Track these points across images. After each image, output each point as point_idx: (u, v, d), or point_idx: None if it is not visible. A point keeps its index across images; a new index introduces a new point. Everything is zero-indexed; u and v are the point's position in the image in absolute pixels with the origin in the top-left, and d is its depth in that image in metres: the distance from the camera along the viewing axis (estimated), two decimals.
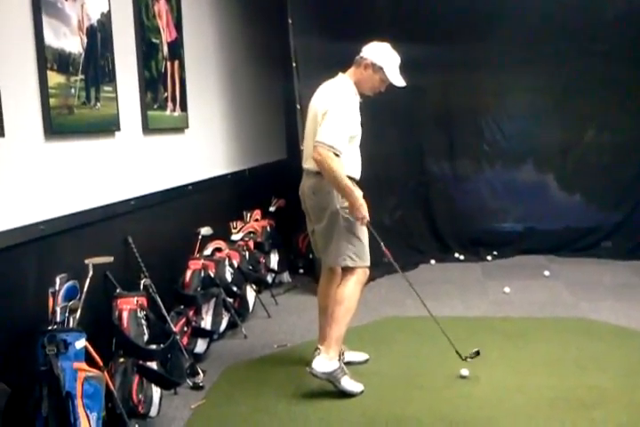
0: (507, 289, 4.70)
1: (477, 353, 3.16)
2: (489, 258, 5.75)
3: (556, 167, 5.98)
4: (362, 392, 2.95)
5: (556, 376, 3.14)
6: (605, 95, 5.62)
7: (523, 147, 5.99)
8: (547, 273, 5.16)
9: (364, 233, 3.03)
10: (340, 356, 3.01)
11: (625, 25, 5.34)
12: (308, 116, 3.10)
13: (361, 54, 3.05)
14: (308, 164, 3.06)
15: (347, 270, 3.07)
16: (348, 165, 2.96)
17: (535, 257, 5.74)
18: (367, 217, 3.02)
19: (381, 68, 3.00)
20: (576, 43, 5.47)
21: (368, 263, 3.07)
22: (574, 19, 5.40)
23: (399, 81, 3.04)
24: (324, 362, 2.92)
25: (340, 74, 3.09)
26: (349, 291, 3.01)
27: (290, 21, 4.60)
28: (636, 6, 5.32)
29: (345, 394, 2.92)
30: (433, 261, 5.67)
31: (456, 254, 5.79)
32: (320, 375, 2.91)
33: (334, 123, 2.88)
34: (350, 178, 2.96)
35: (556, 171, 5.98)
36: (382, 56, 3.02)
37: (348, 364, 3.28)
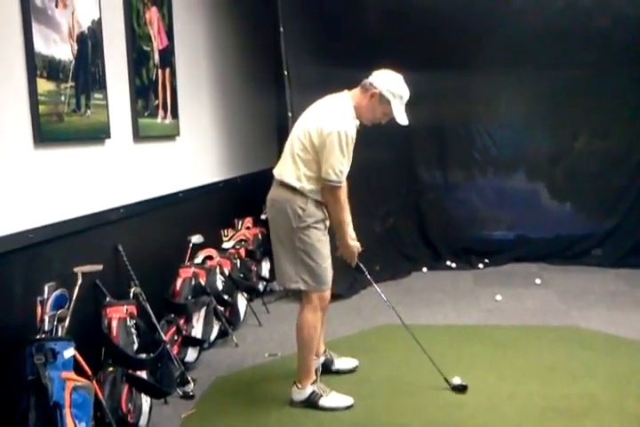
0: (498, 297, 4.71)
1: (465, 387, 3.06)
2: (480, 266, 5.76)
3: (547, 176, 6.02)
4: (350, 406, 2.92)
5: (546, 385, 3.14)
6: (596, 104, 5.67)
7: (514, 155, 6.03)
8: (538, 281, 5.17)
9: (322, 255, 2.85)
10: (314, 380, 2.95)
11: (615, 34, 5.38)
12: (296, 126, 2.93)
13: (370, 80, 2.85)
14: (276, 171, 2.92)
15: (303, 295, 2.94)
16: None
17: (526, 265, 5.75)
18: (356, 260, 3.08)
19: (388, 102, 2.82)
20: (566, 52, 5.50)
21: (325, 286, 2.89)
22: (565, 28, 5.42)
23: (403, 119, 2.85)
24: (297, 392, 2.94)
25: (345, 92, 2.91)
26: (306, 321, 2.89)
27: (281, 30, 4.61)
28: (625, 15, 5.37)
29: (331, 410, 2.90)
30: (425, 269, 5.67)
31: (448, 262, 5.80)
32: (297, 404, 2.93)
33: (340, 156, 2.73)
34: (322, 203, 2.87)
35: (546, 179, 6.02)
36: (393, 89, 2.82)
37: (337, 372, 3.29)
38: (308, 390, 2.92)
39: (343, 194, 2.86)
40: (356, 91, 2.90)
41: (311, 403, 2.91)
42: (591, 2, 5.39)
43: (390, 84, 2.84)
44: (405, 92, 2.87)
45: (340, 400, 2.93)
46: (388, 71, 2.91)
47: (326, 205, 2.89)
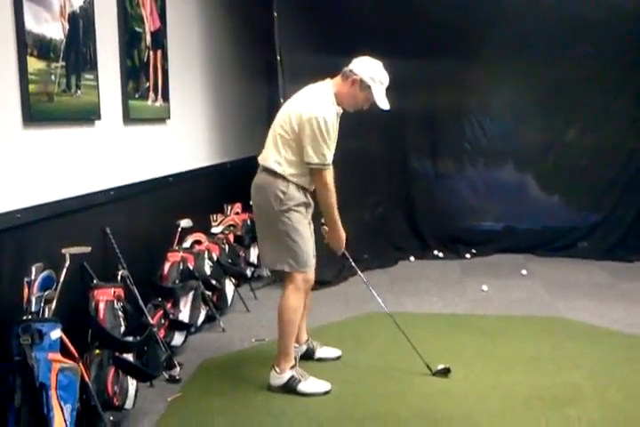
0: (485, 287, 4.74)
1: (448, 370, 3.11)
2: (468, 256, 5.79)
3: (536, 167, 6.04)
4: (328, 391, 2.93)
5: (531, 374, 3.17)
6: (587, 97, 5.68)
7: (504, 146, 6.03)
8: (524, 272, 5.21)
9: (303, 237, 2.90)
10: (292, 365, 2.96)
11: (609, 27, 5.38)
12: (278, 114, 2.97)
13: (350, 67, 2.90)
14: (260, 158, 2.98)
15: (286, 277, 2.96)
16: (307, 176, 2.90)
17: (513, 256, 5.79)
18: (343, 248, 3.12)
19: (369, 87, 2.87)
20: (559, 45, 5.51)
21: (308, 268, 2.94)
22: (558, 21, 5.43)
23: (384, 103, 2.91)
24: (276, 376, 2.95)
25: (327, 80, 2.97)
26: (288, 303, 2.91)
27: (275, 15, 4.58)
28: (619, 9, 5.38)
29: (309, 395, 2.91)
30: (412, 259, 5.69)
31: (435, 252, 5.82)
32: (276, 389, 2.94)
33: (321, 140, 2.79)
34: (305, 188, 2.92)
35: (535, 171, 6.03)
36: (372, 75, 2.87)
37: (319, 360, 3.30)
38: (287, 374, 2.93)
39: (330, 178, 2.89)
40: (338, 78, 2.96)
41: (289, 388, 2.92)
42: None
43: (370, 71, 2.89)
44: (385, 78, 2.92)
45: (318, 386, 2.95)
46: (367, 58, 2.96)
47: (310, 190, 2.95)
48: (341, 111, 2.95)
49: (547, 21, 5.45)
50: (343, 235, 3.08)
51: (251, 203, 3.05)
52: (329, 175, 2.89)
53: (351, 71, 2.89)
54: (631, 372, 3.20)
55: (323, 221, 3.11)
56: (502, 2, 5.43)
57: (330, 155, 2.87)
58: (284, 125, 2.88)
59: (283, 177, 2.87)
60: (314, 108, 2.80)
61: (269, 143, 2.95)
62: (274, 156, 2.90)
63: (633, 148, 5.79)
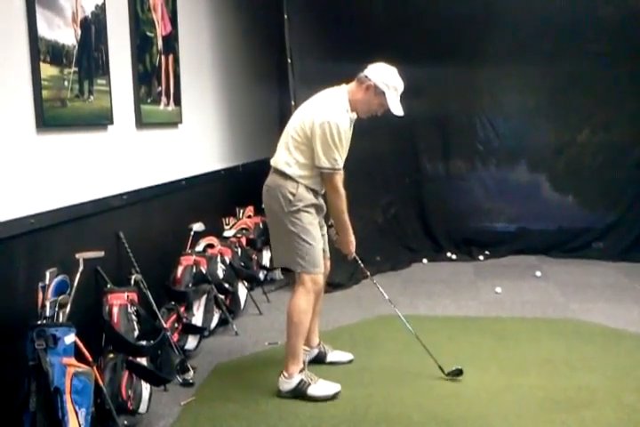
0: (498, 289, 4.71)
1: (460, 372, 3.10)
2: (481, 258, 5.76)
3: (550, 168, 6.00)
4: (338, 392, 2.92)
5: (545, 376, 3.15)
6: (600, 96, 5.64)
7: (516, 147, 6.00)
8: (538, 274, 5.17)
9: (314, 238, 2.90)
10: (301, 368, 2.95)
11: (621, 25, 5.35)
12: (292, 118, 2.99)
13: (365, 73, 2.92)
14: (272, 160, 3.00)
15: (297, 278, 2.97)
16: (316, 178, 2.91)
17: (527, 257, 5.75)
18: (353, 253, 3.12)
19: (383, 94, 2.87)
20: (571, 43, 5.47)
21: (318, 269, 2.93)
22: (569, 19, 5.40)
23: (398, 110, 2.91)
24: (285, 381, 2.93)
25: (342, 86, 2.97)
26: (298, 305, 2.91)
27: (286, 17, 4.58)
28: (629, 7, 5.33)
29: (319, 399, 2.89)
30: (425, 261, 5.67)
31: (448, 254, 5.80)
32: (285, 395, 2.93)
33: (332, 145, 2.80)
34: (315, 191, 2.93)
35: (549, 171, 6.00)
36: (387, 81, 2.88)
37: (331, 364, 3.29)
38: (296, 378, 2.92)
39: (340, 182, 2.90)
40: (353, 84, 2.97)
41: (299, 392, 2.91)
42: None
43: (384, 76, 2.90)
44: (400, 84, 2.93)
45: (327, 388, 2.94)
46: (382, 64, 2.97)
47: (321, 193, 2.97)
48: (355, 117, 2.96)
49: (558, 20, 5.42)
50: (353, 239, 3.09)
51: (262, 205, 3.06)
52: (339, 180, 2.90)
53: (366, 77, 2.90)
54: None
55: (330, 222, 3.11)
56: (513, 2, 5.40)
57: (341, 160, 2.87)
58: (297, 129, 2.89)
59: (292, 178, 2.88)
60: (327, 114, 2.81)
61: (281, 145, 2.97)
62: (284, 157, 2.91)
63: None
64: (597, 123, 5.83)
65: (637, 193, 5.78)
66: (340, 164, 2.87)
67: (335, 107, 2.86)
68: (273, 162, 2.99)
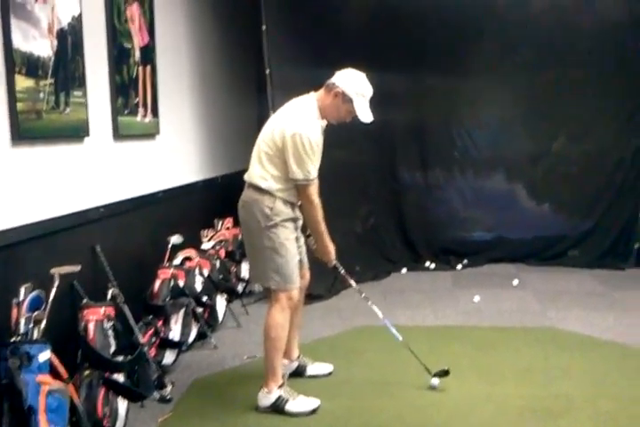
0: (476, 298, 4.74)
1: (446, 372, 3.13)
2: (459, 267, 5.79)
3: (526, 176, 6.06)
4: (316, 409, 2.90)
5: (524, 385, 3.17)
6: (575, 106, 5.72)
7: (493, 156, 6.06)
8: (515, 282, 5.22)
9: (289, 253, 2.88)
10: (280, 384, 2.93)
11: (594, 37, 5.44)
12: (263, 129, 2.96)
13: (333, 80, 2.89)
14: (246, 175, 2.97)
15: (271, 295, 2.95)
16: (292, 190, 2.90)
17: (504, 266, 5.80)
18: (333, 261, 3.13)
19: (351, 100, 2.85)
20: (547, 54, 5.56)
21: (293, 285, 2.91)
22: (546, 31, 5.49)
23: (367, 116, 2.89)
24: (264, 396, 2.91)
25: (311, 94, 2.96)
26: (274, 320, 2.89)
27: (264, 28, 4.59)
28: (605, 19, 5.44)
29: (298, 415, 2.87)
30: (404, 270, 5.68)
31: (427, 263, 5.82)
32: (264, 410, 2.91)
33: (305, 157, 2.78)
34: (291, 202, 2.91)
35: (525, 180, 6.06)
36: (355, 88, 2.85)
37: (312, 377, 3.28)
38: (275, 394, 2.90)
39: (315, 193, 2.90)
40: (321, 91, 2.95)
41: (277, 408, 2.88)
42: (573, 4, 5.46)
43: (352, 83, 2.88)
44: (368, 90, 2.91)
45: (306, 404, 2.91)
46: (350, 70, 2.95)
47: (297, 204, 2.95)
48: (325, 124, 2.96)
49: (535, 31, 5.50)
50: (331, 247, 3.08)
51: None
52: (313, 190, 2.90)
53: (334, 84, 2.89)
54: (623, 381, 3.21)
55: (308, 232, 3.11)
56: (490, 13, 5.48)
57: (314, 170, 2.87)
58: (268, 142, 2.87)
59: (269, 193, 2.86)
60: (297, 125, 2.80)
61: (254, 160, 2.95)
62: (259, 172, 2.89)
63: (621, 155, 5.83)
64: (572, 132, 5.91)
65: (612, 201, 5.87)
66: (314, 174, 2.87)
67: (305, 116, 2.85)
68: (247, 177, 2.96)
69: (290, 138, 2.78)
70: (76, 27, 2.93)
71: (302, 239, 3.11)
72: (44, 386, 2.10)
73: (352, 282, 3.36)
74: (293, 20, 4.89)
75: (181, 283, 3.56)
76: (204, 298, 3.79)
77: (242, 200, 2.97)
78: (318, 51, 4.89)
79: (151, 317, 3.28)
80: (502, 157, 6.04)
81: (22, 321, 2.22)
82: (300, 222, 3.03)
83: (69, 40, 2.87)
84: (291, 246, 2.91)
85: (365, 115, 2.89)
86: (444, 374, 3.13)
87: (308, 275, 3.19)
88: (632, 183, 5.82)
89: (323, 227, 2.99)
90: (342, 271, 3.30)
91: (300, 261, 3.03)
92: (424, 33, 5.45)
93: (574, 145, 5.92)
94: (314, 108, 2.90)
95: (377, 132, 5.72)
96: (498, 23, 5.49)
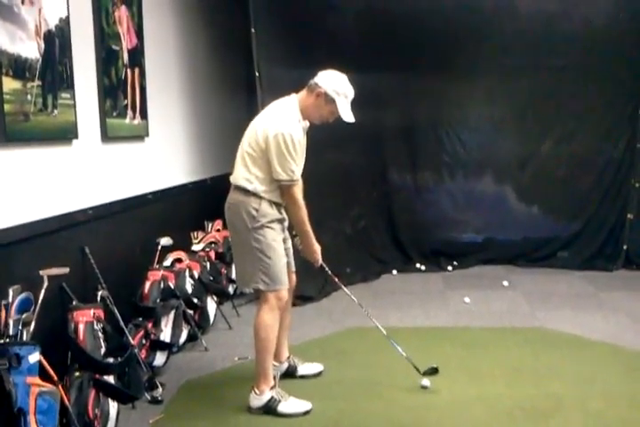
0: (467, 299, 4.76)
1: (436, 370, 3.15)
2: (449, 268, 5.81)
3: (515, 179, 6.09)
4: (308, 411, 2.90)
5: (514, 385, 3.18)
6: (563, 108, 5.77)
7: (482, 158, 6.08)
8: (505, 283, 5.24)
9: (277, 254, 2.89)
10: (271, 385, 2.93)
11: (582, 40, 5.49)
12: (247, 131, 2.97)
13: (315, 80, 2.91)
14: (232, 177, 2.98)
15: (260, 296, 2.96)
16: (278, 191, 2.90)
17: (494, 267, 5.83)
18: (319, 260, 3.12)
19: (333, 101, 2.87)
20: (535, 57, 5.59)
21: (282, 286, 2.91)
22: (534, 34, 5.53)
23: (349, 117, 2.91)
24: (255, 398, 2.91)
25: (292, 95, 2.97)
26: (263, 321, 2.89)
27: (253, 31, 4.60)
28: (592, 23, 5.49)
29: (290, 416, 2.87)
30: (395, 272, 5.70)
31: (417, 265, 5.83)
32: (255, 411, 2.91)
33: (288, 157, 2.79)
34: (277, 203, 2.92)
35: (514, 182, 6.09)
36: (337, 88, 2.87)
37: (302, 378, 3.28)
38: (266, 395, 2.90)
39: (299, 193, 2.91)
40: (303, 92, 2.97)
41: (269, 409, 2.89)
42: (557, 8, 5.50)
43: (334, 84, 2.90)
44: (350, 91, 2.92)
45: (298, 405, 2.92)
46: (332, 71, 2.97)
47: (283, 204, 2.96)
48: (308, 125, 2.97)
49: (522, 35, 5.53)
50: (317, 247, 3.09)
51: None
52: (298, 190, 2.91)
53: (316, 84, 2.90)
54: (612, 381, 3.23)
55: (294, 232, 3.11)
56: (478, 16, 5.51)
57: (298, 170, 2.88)
58: (252, 143, 2.88)
59: (255, 194, 2.87)
60: (279, 125, 2.81)
61: (238, 162, 2.96)
62: (243, 174, 2.90)
63: (609, 157, 5.87)
64: (560, 135, 5.95)
65: (600, 203, 5.91)
66: (298, 174, 2.88)
67: (286, 117, 2.86)
68: (232, 179, 2.97)
69: (272, 138, 2.79)
70: (63, 29, 2.93)
71: (289, 241, 3.11)
72: (34, 388, 2.09)
73: (338, 282, 3.37)
74: (282, 23, 4.91)
75: (172, 285, 3.55)
76: (195, 300, 3.78)
77: (228, 202, 2.98)
78: (308, 53, 4.91)
79: (141, 318, 3.27)
80: (491, 160, 6.07)
81: (11, 323, 2.20)
82: (287, 223, 3.04)
83: (57, 42, 2.87)
84: (278, 247, 2.91)
85: (348, 115, 2.92)
86: (433, 371, 3.14)
87: (294, 277, 3.20)
88: (620, 185, 5.86)
89: (308, 227, 3.00)
90: (329, 272, 3.31)
91: (287, 263, 3.02)
92: (412, 35, 5.47)
93: (562, 147, 5.96)
94: (295, 108, 2.91)
95: (367, 135, 5.75)
96: (486, 26, 5.52)
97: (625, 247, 5.82)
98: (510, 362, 3.50)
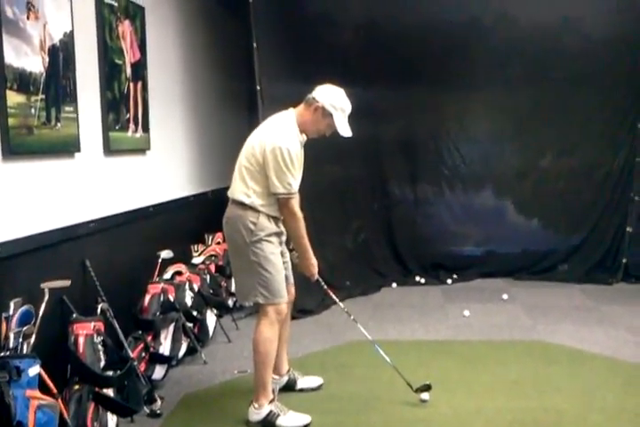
0: (466, 312, 4.75)
1: (428, 387, 3.13)
2: (449, 281, 5.81)
3: (514, 192, 6.12)
4: (307, 425, 2.89)
5: (513, 399, 3.18)
6: (562, 122, 5.80)
7: (482, 172, 6.11)
8: (505, 296, 5.24)
9: (275, 267, 2.89)
10: (270, 399, 2.92)
11: (581, 53, 5.53)
12: (245, 145, 2.99)
13: (313, 95, 2.94)
14: (229, 191, 2.99)
15: (259, 309, 2.97)
16: (275, 205, 2.91)
17: (494, 280, 5.83)
18: (316, 275, 3.12)
19: (331, 115, 2.90)
20: (535, 70, 5.64)
21: (281, 299, 2.91)
22: (534, 47, 5.58)
23: (346, 131, 2.93)
24: (254, 412, 2.91)
25: (290, 109, 3.00)
26: (262, 335, 2.89)
27: (255, 45, 4.65)
28: (591, 36, 5.53)
29: None
30: (394, 285, 5.69)
31: (417, 278, 5.83)
32: (254, 426, 2.90)
33: (285, 170, 2.80)
34: (274, 217, 2.93)
35: (514, 195, 6.11)
36: (334, 102, 2.90)
37: (301, 391, 3.27)
38: (265, 409, 2.89)
39: (297, 206, 2.92)
40: (301, 106, 3.00)
41: (268, 423, 2.88)
42: (557, 21, 5.55)
43: (332, 98, 2.93)
44: (347, 105, 2.96)
45: (297, 419, 2.91)
46: (329, 86, 3.00)
47: (281, 218, 2.97)
48: (305, 139, 2.99)
49: (522, 48, 5.59)
50: (314, 262, 3.09)
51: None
52: (295, 204, 2.91)
53: (314, 99, 2.93)
54: (612, 395, 3.22)
55: (292, 246, 3.12)
56: (477, 29, 5.57)
57: (295, 184, 2.89)
58: (249, 157, 2.90)
59: (252, 208, 2.88)
60: (277, 139, 2.83)
61: (236, 176, 2.97)
62: (241, 188, 2.91)
63: (608, 170, 5.90)
64: (560, 148, 5.99)
65: (600, 216, 5.93)
66: (295, 188, 2.89)
67: (284, 131, 2.89)
68: (230, 193, 2.99)
69: (270, 152, 2.81)
70: (67, 43, 2.97)
71: (287, 254, 3.12)
72: (34, 401, 2.09)
73: (334, 297, 3.37)
74: (283, 38, 4.95)
75: (171, 297, 3.55)
76: (195, 313, 3.78)
77: (226, 217, 2.99)
78: (308, 67, 4.95)
79: (141, 331, 3.27)
80: (491, 173, 6.10)
81: (12, 336, 2.21)
82: (285, 237, 3.05)
83: (61, 56, 2.91)
84: (276, 261, 2.92)
85: (345, 129, 2.94)
86: (426, 388, 3.12)
87: (293, 290, 3.20)
88: (619, 198, 5.88)
89: (306, 240, 3.00)
90: (325, 286, 3.32)
91: (286, 277, 3.03)
92: (412, 50, 5.52)
93: (562, 160, 5.99)
94: (293, 122, 2.94)
95: (367, 148, 5.79)
96: (485, 40, 5.58)
97: (624, 261, 5.83)
98: (510, 375, 3.49)
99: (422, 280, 5.80)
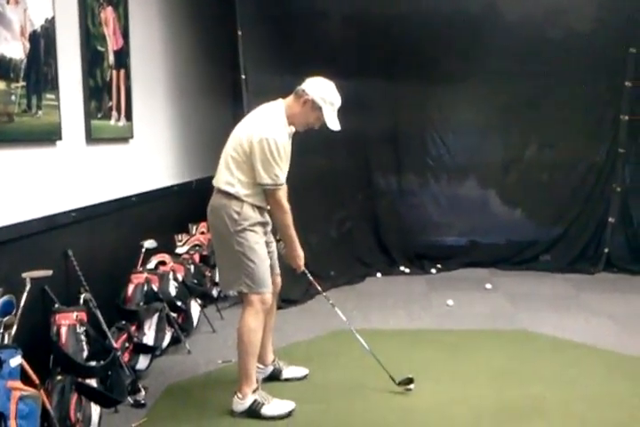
0: (450, 302, 4.78)
1: (411, 380, 3.14)
2: (433, 271, 5.85)
3: (498, 183, 6.16)
4: (292, 410, 2.90)
5: (497, 387, 3.21)
6: (546, 113, 5.83)
7: (466, 162, 6.14)
8: (488, 286, 5.28)
9: (259, 257, 2.88)
10: (254, 388, 2.92)
11: (565, 47, 5.56)
12: (231, 135, 2.97)
13: (303, 87, 2.92)
14: (214, 180, 2.98)
15: (244, 299, 2.95)
16: (261, 195, 2.90)
17: (478, 270, 5.87)
18: (302, 266, 3.12)
19: (320, 108, 2.89)
20: (519, 63, 5.66)
21: (266, 289, 2.90)
22: (518, 41, 5.59)
23: (335, 125, 2.92)
24: (238, 402, 2.90)
25: (279, 100, 2.97)
26: (247, 325, 2.88)
27: (240, 33, 4.60)
28: (574, 30, 5.57)
29: (274, 418, 2.87)
30: (379, 274, 5.72)
31: (401, 267, 5.86)
32: (239, 415, 2.90)
33: (272, 161, 2.79)
34: (259, 207, 2.92)
35: (497, 186, 6.15)
36: (324, 96, 2.88)
37: (286, 380, 3.28)
38: (249, 399, 2.89)
39: (284, 197, 2.92)
40: (290, 98, 2.97)
41: (253, 412, 2.88)
42: (541, 15, 5.58)
43: (321, 91, 2.91)
44: (337, 99, 2.94)
45: (281, 407, 2.91)
46: (319, 78, 2.98)
47: (266, 208, 2.96)
48: (293, 131, 2.97)
49: (506, 41, 5.59)
50: (301, 253, 3.09)
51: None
52: (282, 195, 2.91)
53: (304, 91, 2.91)
54: (594, 383, 3.27)
55: (278, 237, 3.11)
56: (463, 22, 5.56)
57: (282, 175, 2.88)
58: (236, 147, 2.88)
59: (236, 197, 2.86)
60: (264, 130, 2.81)
61: (222, 165, 2.95)
62: (226, 177, 2.90)
63: (591, 162, 5.95)
64: (543, 140, 6.02)
65: (582, 207, 5.99)
66: (282, 179, 2.88)
67: (272, 122, 2.87)
68: (215, 182, 2.97)
69: (257, 143, 2.79)
70: (49, 29, 2.91)
71: (273, 244, 3.11)
72: (15, 392, 2.06)
73: (319, 288, 3.37)
74: (269, 27, 4.92)
75: (155, 287, 3.53)
76: (179, 303, 3.77)
77: (210, 206, 2.97)
78: (293, 57, 4.92)
79: (124, 322, 3.25)
80: (475, 164, 6.12)
81: None
82: (270, 227, 3.04)
83: (42, 43, 2.85)
84: (260, 250, 2.91)
85: (334, 123, 2.93)
86: (408, 382, 3.13)
87: (279, 280, 3.20)
88: (602, 189, 5.95)
89: (292, 231, 2.99)
90: (310, 277, 3.31)
91: (271, 266, 3.02)
92: (398, 41, 5.52)
93: (545, 152, 6.04)
94: (282, 114, 2.92)
95: (352, 139, 5.76)
96: (471, 33, 5.58)
97: (606, 250, 5.90)
98: (493, 364, 3.53)
99: (407, 270, 5.83)
